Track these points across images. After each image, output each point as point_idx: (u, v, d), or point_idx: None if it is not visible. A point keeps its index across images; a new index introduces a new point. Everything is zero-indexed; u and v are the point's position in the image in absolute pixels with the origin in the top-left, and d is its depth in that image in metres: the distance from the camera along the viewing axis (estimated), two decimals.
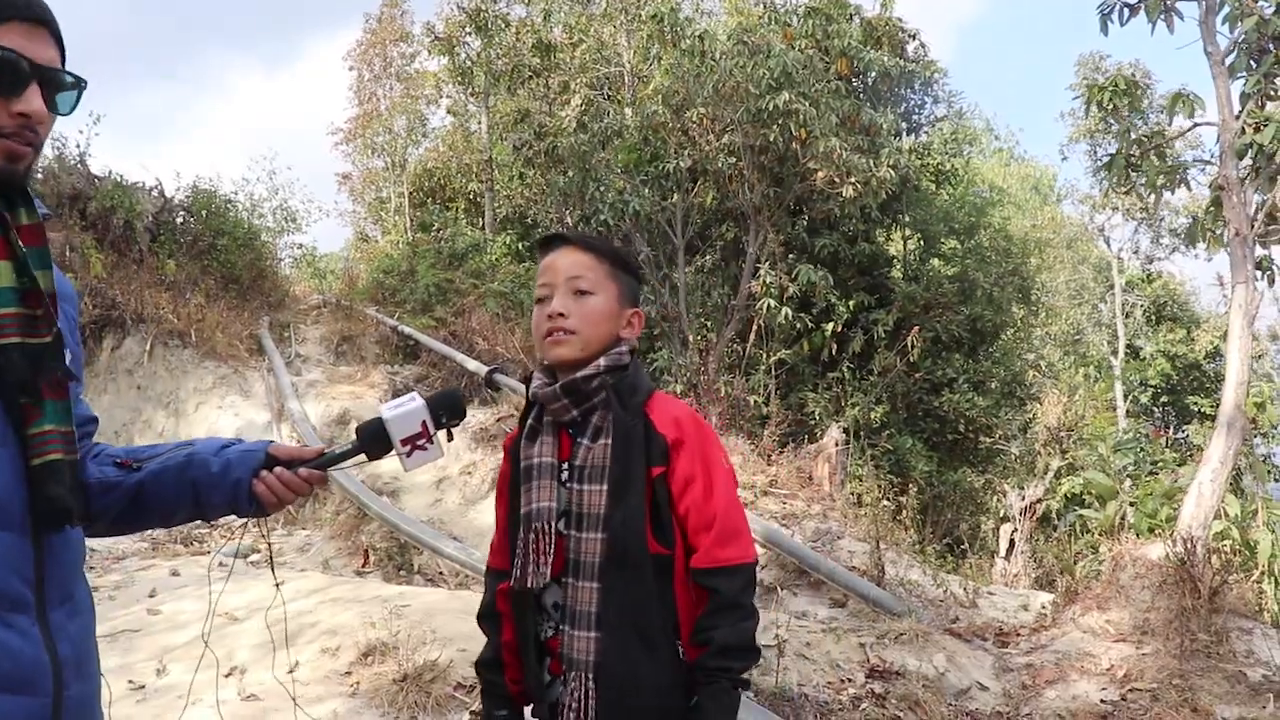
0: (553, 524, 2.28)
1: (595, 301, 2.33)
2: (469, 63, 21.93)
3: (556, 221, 17.98)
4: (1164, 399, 33.47)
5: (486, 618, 2.50)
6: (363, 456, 2.24)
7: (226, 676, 5.18)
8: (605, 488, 2.24)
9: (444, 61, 22.87)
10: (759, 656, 2.32)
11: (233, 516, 2.21)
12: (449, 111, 25.67)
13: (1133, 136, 8.48)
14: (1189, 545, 6.77)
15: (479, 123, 23.21)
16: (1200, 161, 8.46)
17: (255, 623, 5.80)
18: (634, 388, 2.33)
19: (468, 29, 21.31)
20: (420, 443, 2.22)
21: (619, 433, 2.27)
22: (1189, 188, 8.70)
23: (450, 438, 2.32)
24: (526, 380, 2.44)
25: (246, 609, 6.04)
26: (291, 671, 5.21)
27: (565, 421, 2.33)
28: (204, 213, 15.18)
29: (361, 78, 27.80)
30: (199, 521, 2.41)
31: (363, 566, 7.94)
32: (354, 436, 2.25)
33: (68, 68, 1.80)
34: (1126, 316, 35.44)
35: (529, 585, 2.28)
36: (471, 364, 12.49)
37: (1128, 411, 29.86)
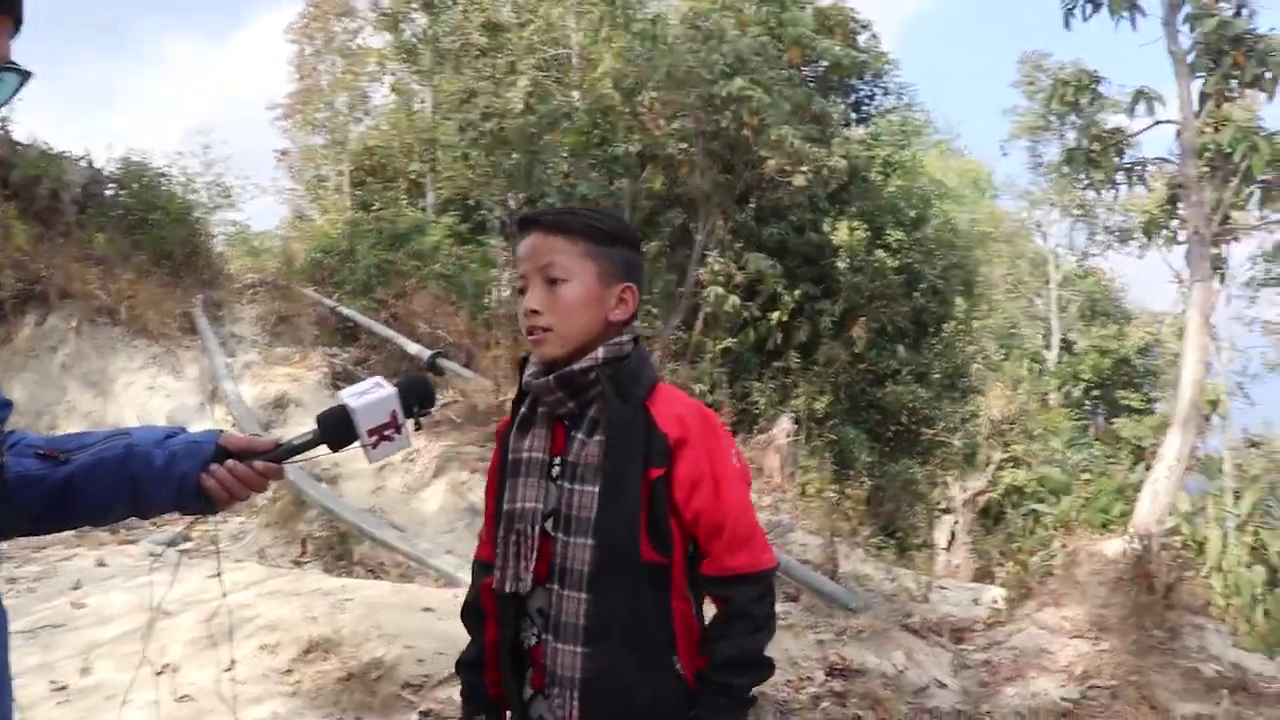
0: (537, 527, 2.07)
1: (569, 290, 2.09)
2: (414, 40, 21.55)
3: (501, 204, 17.71)
4: (1095, 393, 33.88)
5: (470, 614, 2.30)
6: (324, 448, 2.03)
7: (159, 675, 4.88)
8: (596, 488, 2.02)
9: (388, 38, 22.47)
10: (769, 673, 2.09)
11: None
12: (392, 89, 25.22)
13: (1094, 132, 8.39)
14: (1145, 542, 6.73)
15: (423, 102, 22.81)
16: (1159, 159, 8.42)
17: (189, 617, 5.51)
18: (635, 378, 2.09)
19: (414, 5, 20.95)
20: (388, 433, 2.03)
21: (614, 429, 2.04)
22: (1147, 185, 8.71)
23: (419, 427, 2.11)
24: (521, 365, 2.20)
25: (180, 602, 5.73)
26: (228, 670, 4.92)
27: (561, 414, 2.12)
28: (136, 186, 14.68)
29: (302, 52, 27.17)
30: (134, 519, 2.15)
31: (301, 556, 7.64)
32: (314, 425, 2.03)
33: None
34: (1061, 311, 35.90)
35: (507, 590, 2.09)
36: (413, 347, 12.23)
37: (1060, 405, 30.18)
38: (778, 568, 2.12)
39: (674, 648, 2.06)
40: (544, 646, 2.06)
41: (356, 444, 2.01)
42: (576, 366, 2.07)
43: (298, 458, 2.03)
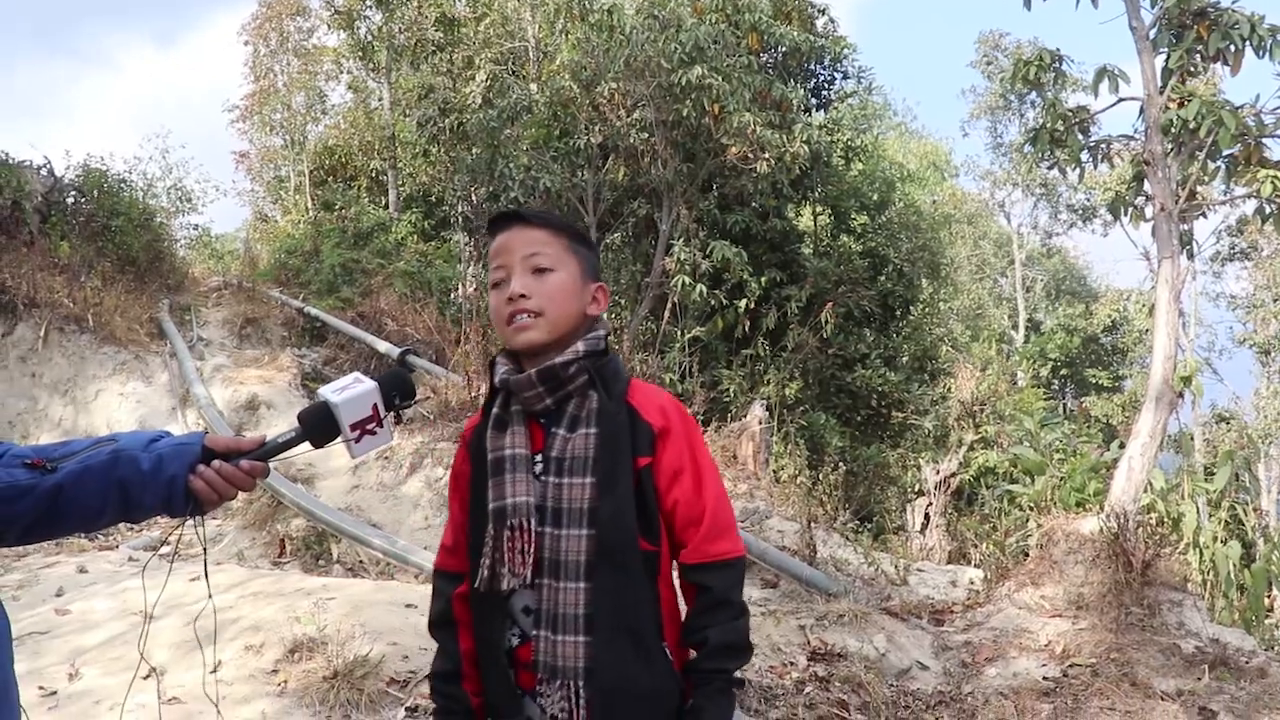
0: (532, 519, 2.08)
1: (557, 278, 2.16)
2: (369, 37, 21.49)
3: (464, 199, 17.70)
4: (1063, 372, 34.18)
5: (440, 626, 2.32)
6: (307, 444, 2.06)
7: (145, 679, 4.91)
8: (592, 480, 2.06)
9: (343, 36, 22.40)
10: (751, 654, 2.18)
11: None
12: (349, 87, 25.17)
13: (1058, 111, 8.45)
14: (1121, 519, 6.79)
15: (380, 99, 22.77)
16: (1124, 136, 8.47)
17: (172, 620, 5.53)
18: (616, 374, 2.17)
19: (368, 2, 20.88)
20: (370, 427, 2.07)
21: (605, 422, 2.10)
22: (1112, 164, 8.76)
23: (399, 420, 2.16)
24: (490, 365, 2.24)
25: (162, 606, 5.75)
26: (214, 671, 4.97)
27: (537, 411, 2.15)
28: (96, 192, 14.58)
29: (257, 53, 27.05)
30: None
31: (279, 557, 7.67)
32: (296, 423, 2.07)
33: None
34: (1027, 291, 36.16)
35: (504, 587, 2.09)
36: (382, 345, 12.24)
37: (1029, 385, 30.47)
38: (746, 556, 2.19)
39: (662, 634, 2.13)
40: (536, 643, 2.07)
41: (339, 439, 2.05)
42: (559, 360, 2.11)
43: (282, 455, 2.08)
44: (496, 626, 2.15)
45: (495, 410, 2.20)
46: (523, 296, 2.12)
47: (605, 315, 2.29)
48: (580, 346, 2.13)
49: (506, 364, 2.20)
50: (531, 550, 2.08)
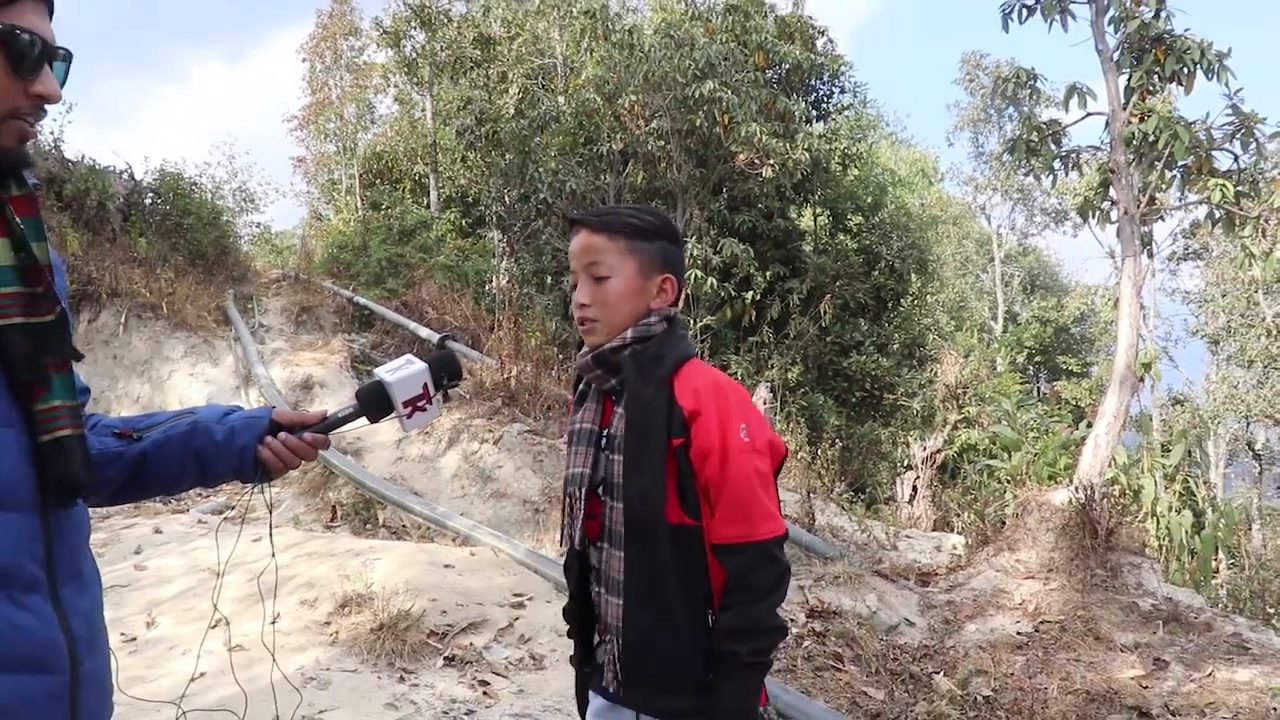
0: (584, 489, 2.12)
1: (612, 285, 2.11)
2: (414, 55, 21.50)
3: (497, 200, 17.70)
4: (1037, 359, 34.09)
5: (566, 568, 2.33)
6: (364, 419, 2.06)
7: (213, 628, 4.96)
8: (621, 457, 2.06)
9: (391, 54, 22.42)
10: (778, 636, 2.02)
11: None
12: (396, 100, 25.18)
13: (1033, 124, 8.47)
14: (1088, 491, 6.79)
15: (423, 110, 22.77)
16: (1091, 147, 8.49)
17: (236, 576, 5.57)
18: (658, 358, 2.09)
19: (413, 23, 20.87)
20: (421, 404, 2.06)
21: (634, 404, 2.07)
22: (1081, 172, 8.78)
23: (447, 398, 2.16)
24: (579, 347, 2.26)
25: (229, 564, 5.80)
26: (273, 622, 5.00)
27: (608, 389, 2.16)
28: (171, 194, 14.68)
29: (314, 69, 27.13)
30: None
31: (331, 521, 7.70)
32: (354, 400, 2.08)
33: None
34: (1005, 285, 36.06)
35: (573, 547, 2.17)
36: (424, 331, 12.29)
37: (1007, 370, 30.35)
38: (783, 536, 2.04)
39: (710, 603, 2.05)
40: (598, 599, 2.12)
41: (393, 415, 2.05)
42: (608, 346, 2.11)
43: (342, 428, 2.07)
44: (581, 577, 2.20)
45: (581, 387, 2.25)
46: (584, 305, 2.13)
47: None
48: (629, 333, 2.11)
49: (584, 348, 2.22)
50: (581, 517, 2.13)
